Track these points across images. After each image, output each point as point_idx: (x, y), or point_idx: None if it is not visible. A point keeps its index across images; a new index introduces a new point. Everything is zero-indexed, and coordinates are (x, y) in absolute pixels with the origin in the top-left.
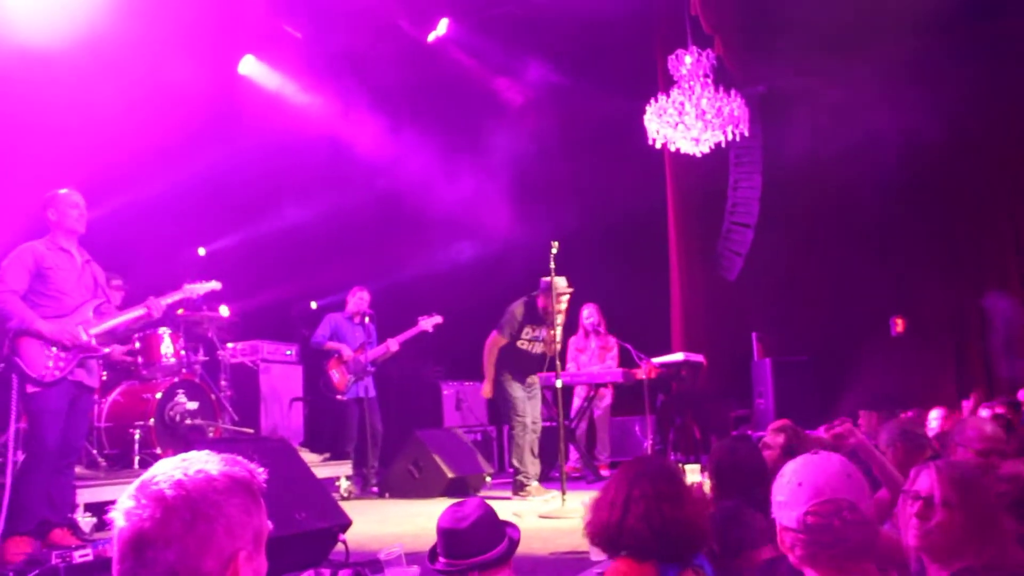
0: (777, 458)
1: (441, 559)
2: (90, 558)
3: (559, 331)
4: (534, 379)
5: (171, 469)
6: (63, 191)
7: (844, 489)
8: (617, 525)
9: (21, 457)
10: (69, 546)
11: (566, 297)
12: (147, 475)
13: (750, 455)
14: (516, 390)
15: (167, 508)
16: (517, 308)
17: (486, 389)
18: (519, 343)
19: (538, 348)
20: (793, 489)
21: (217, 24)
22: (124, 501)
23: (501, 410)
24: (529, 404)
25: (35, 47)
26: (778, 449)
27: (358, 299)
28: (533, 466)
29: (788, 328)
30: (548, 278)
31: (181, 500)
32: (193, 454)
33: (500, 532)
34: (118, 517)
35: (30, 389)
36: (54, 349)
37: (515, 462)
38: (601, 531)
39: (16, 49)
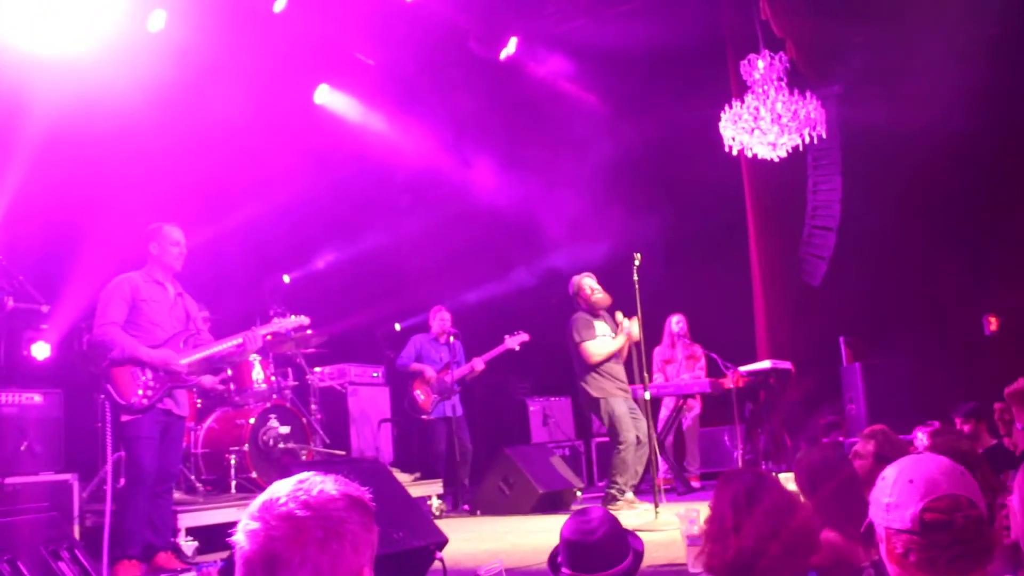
0: (870, 468)
1: (565, 570)
2: None
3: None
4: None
5: (292, 490)
6: (166, 227)
7: (960, 485)
8: (751, 552)
9: (111, 485)
10: (174, 569)
11: (589, 281)
12: (266, 496)
13: (840, 463)
14: (619, 405)
15: (299, 528)
16: (577, 316)
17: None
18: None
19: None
20: (903, 487)
21: (291, 56)
22: (248, 523)
23: (608, 431)
24: (633, 419)
25: (121, 89)
26: (870, 458)
27: (440, 319)
28: (633, 478)
29: (877, 331)
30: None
31: (312, 519)
32: (305, 475)
33: (625, 545)
34: (243, 539)
35: (124, 418)
36: (145, 378)
37: (615, 475)
38: (731, 563)
39: (103, 88)
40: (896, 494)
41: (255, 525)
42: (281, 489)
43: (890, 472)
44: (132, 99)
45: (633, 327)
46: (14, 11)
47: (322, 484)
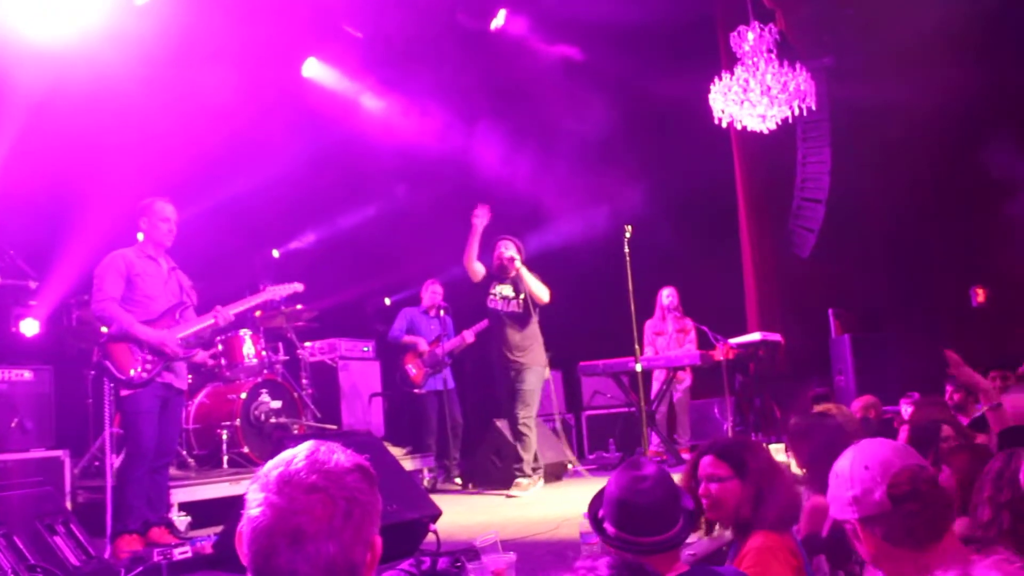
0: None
1: (611, 527)
2: (189, 555)
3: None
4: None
5: (309, 462)
6: (158, 203)
7: (910, 456)
8: (753, 502)
9: (116, 460)
10: (169, 544)
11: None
12: (281, 469)
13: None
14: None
15: (323, 500)
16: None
17: None
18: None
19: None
20: (862, 475)
21: (279, 29)
22: (267, 496)
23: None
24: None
25: (108, 63)
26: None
27: (431, 292)
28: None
29: (865, 303)
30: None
31: (334, 491)
32: (312, 445)
33: (678, 507)
34: (260, 512)
35: (123, 392)
36: (143, 352)
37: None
38: (732, 515)
39: (90, 63)
40: (857, 484)
41: (276, 499)
42: (296, 461)
43: (842, 468)
44: (119, 73)
45: None
46: None
47: (335, 455)
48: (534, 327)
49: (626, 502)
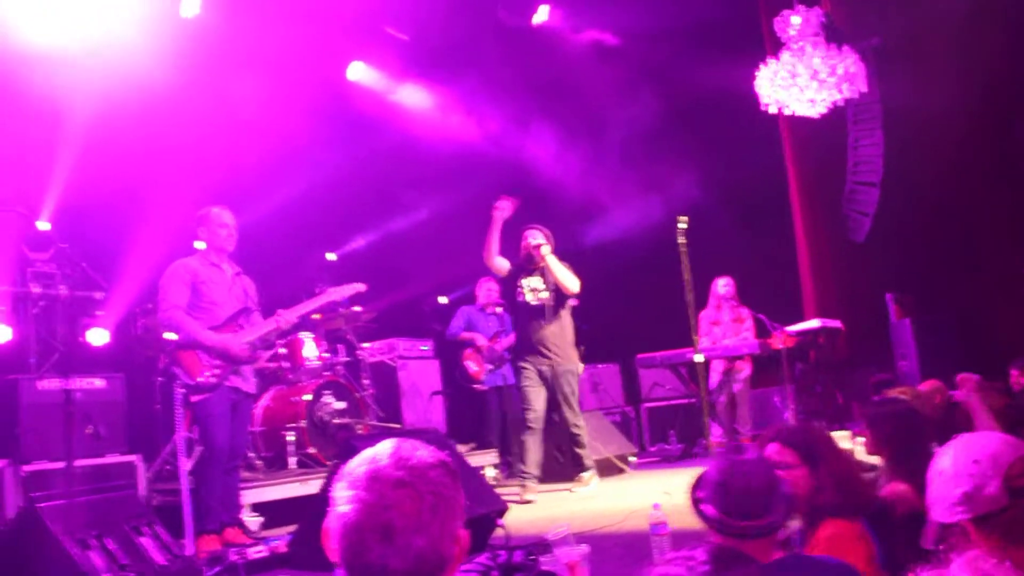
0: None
1: (711, 509)
2: (264, 554)
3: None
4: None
5: (394, 459)
6: (215, 210)
7: (1020, 447)
8: (821, 489)
9: (187, 464)
10: (244, 543)
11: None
12: (368, 466)
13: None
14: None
15: (412, 496)
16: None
17: None
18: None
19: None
20: (971, 469)
21: (322, 35)
22: (356, 493)
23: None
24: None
25: (159, 75)
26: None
27: (487, 290)
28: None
29: (925, 286)
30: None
31: (422, 486)
32: (394, 443)
33: (779, 493)
34: (350, 508)
35: (194, 398)
36: (210, 358)
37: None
38: (800, 503)
39: (144, 77)
40: (966, 481)
41: (366, 495)
42: (382, 458)
43: (944, 466)
44: (172, 85)
45: None
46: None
47: (418, 451)
48: (567, 320)
49: (728, 485)
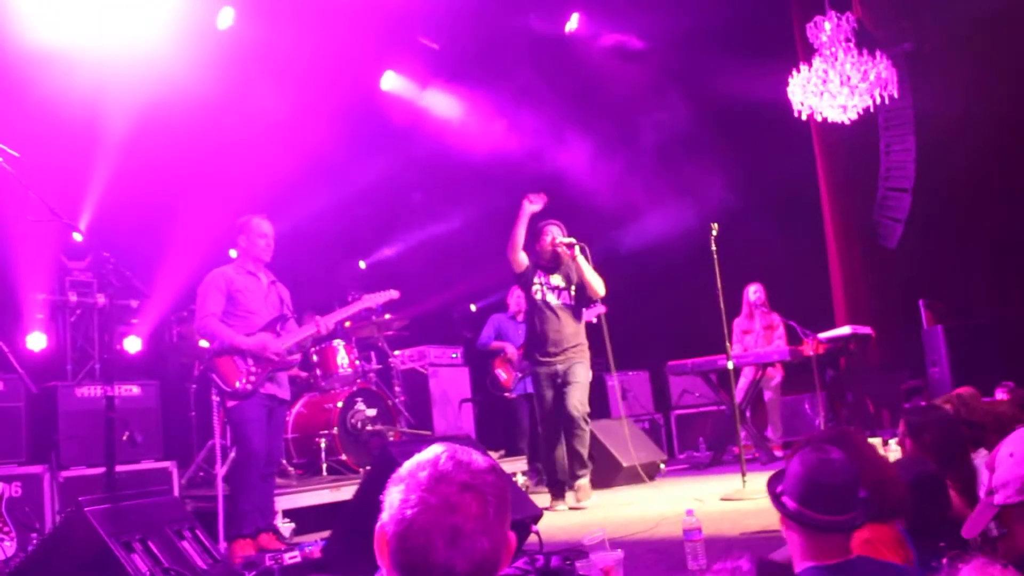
0: None
1: (792, 502)
2: (298, 559)
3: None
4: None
5: (454, 463)
6: (255, 220)
7: None
8: None
9: (222, 470)
10: (279, 549)
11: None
12: (428, 470)
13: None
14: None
15: (478, 499)
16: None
17: None
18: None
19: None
20: None
21: (355, 46)
22: (419, 495)
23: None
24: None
25: (194, 87)
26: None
27: (517, 298)
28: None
29: (957, 293)
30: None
31: (487, 489)
32: (446, 446)
33: (857, 492)
34: (412, 511)
35: (230, 403)
36: (247, 365)
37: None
38: None
39: (178, 87)
40: None
41: (431, 497)
42: (443, 461)
43: (1016, 450)
44: (206, 95)
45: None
46: (91, 11)
47: (472, 455)
48: (583, 322)
49: (814, 480)
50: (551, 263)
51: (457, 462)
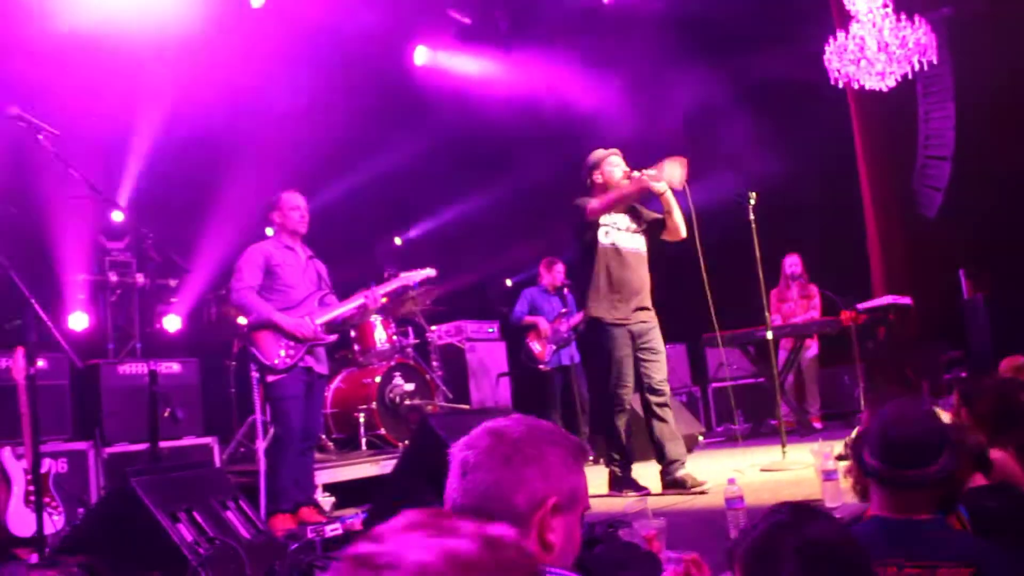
0: None
1: (871, 459)
2: (340, 532)
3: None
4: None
5: (511, 422)
6: (287, 194)
7: None
8: None
9: (263, 445)
10: (320, 522)
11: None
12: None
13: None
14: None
15: (490, 443)
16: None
17: None
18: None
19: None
20: None
21: (388, 21)
22: (465, 439)
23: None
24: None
25: (228, 64)
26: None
27: (553, 272)
28: (670, 446)
29: (998, 262)
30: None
31: (505, 438)
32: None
33: (943, 444)
34: (457, 449)
35: (269, 378)
36: (286, 339)
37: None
38: None
39: (212, 65)
40: None
41: (468, 438)
42: (505, 421)
43: None
44: (240, 73)
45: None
46: None
47: (536, 421)
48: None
49: (889, 434)
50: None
51: (512, 422)
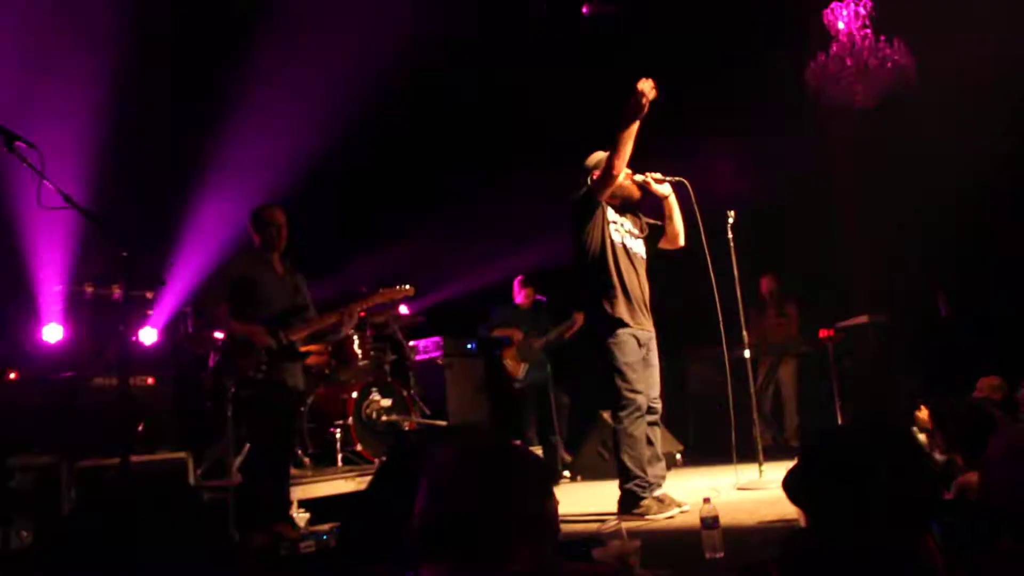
0: None
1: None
2: (313, 548)
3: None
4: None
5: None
6: (266, 208)
7: None
8: None
9: (237, 461)
10: (294, 538)
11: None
12: None
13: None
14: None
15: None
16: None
17: None
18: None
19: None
20: None
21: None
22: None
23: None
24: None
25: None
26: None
27: (523, 293)
28: (653, 468)
29: (975, 282)
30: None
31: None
32: None
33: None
34: (429, 468)
35: (243, 393)
36: (260, 354)
37: (625, 460)
38: None
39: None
40: None
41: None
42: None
43: None
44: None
45: None
46: None
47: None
48: None
49: None
50: (621, 202)
51: None
